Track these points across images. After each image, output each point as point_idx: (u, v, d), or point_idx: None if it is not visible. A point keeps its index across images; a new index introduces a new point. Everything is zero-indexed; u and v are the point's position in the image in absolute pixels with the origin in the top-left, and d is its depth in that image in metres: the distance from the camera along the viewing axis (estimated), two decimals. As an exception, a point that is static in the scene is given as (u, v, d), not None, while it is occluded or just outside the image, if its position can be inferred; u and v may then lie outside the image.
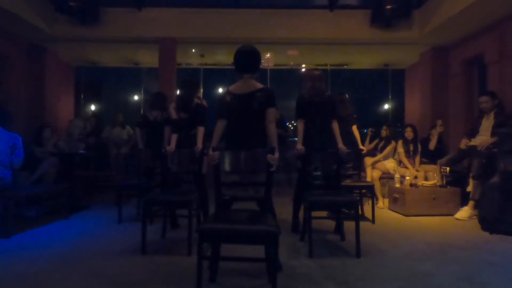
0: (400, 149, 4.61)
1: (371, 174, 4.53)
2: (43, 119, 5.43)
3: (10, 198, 2.93)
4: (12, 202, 2.94)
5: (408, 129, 4.67)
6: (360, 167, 4.10)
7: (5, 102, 4.66)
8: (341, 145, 3.10)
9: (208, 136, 2.90)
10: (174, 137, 3.18)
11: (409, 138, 4.61)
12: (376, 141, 5.00)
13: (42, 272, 2.16)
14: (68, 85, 6.83)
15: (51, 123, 5.29)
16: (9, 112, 3.36)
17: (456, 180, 4.15)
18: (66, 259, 2.42)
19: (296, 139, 3.27)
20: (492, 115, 3.79)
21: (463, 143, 3.91)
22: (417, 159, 4.61)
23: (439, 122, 4.71)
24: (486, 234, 3.10)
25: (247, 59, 2.25)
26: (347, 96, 4.28)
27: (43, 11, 5.03)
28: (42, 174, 4.21)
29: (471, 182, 3.74)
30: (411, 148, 4.60)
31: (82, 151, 4.57)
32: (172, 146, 3.12)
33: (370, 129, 5.30)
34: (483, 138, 3.74)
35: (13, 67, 5.34)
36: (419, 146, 4.64)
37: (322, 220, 3.30)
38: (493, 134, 3.65)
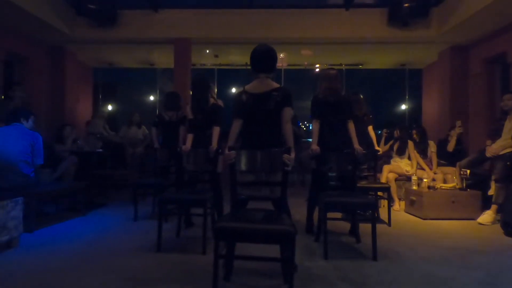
0: (411, 148, 4.55)
1: (386, 175, 4.44)
2: (63, 119, 5.60)
3: (33, 194, 3.04)
4: (34, 199, 3.05)
5: (413, 132, 4.70)
6: (376, 169, 4.03)
7: (27, 102, 4.83)
8: (356, 146, 3.05)
9: (223, 136, 2.90)
10: (190, 137, 3.21)
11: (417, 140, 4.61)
12: (391, 142, 4.89)
13: (61, 267, 2.22)
14: (87, 85, 7.02)
15: (70, 122, 5.45)
16: (25, 109, 3.46)
17: (476, 183, 4.02)
18: (83, 255, 2.48)
19: (309, 139, 3.24)
20: (514, 116, 3.65)
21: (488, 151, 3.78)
22: (435, 160, 4.51)
23: (459, 123, 4.58)
24: (509, 239, 2.99)
25: (263, 59, 2.24)
26: (361, 96, 4.21)
27: (64, 14, 5.19)
28: (63, 172, 4.34)
29: (493, 185, 3.62)
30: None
31: (99, 150, 4.69)
32: (187, 146, 3.15)
33: (385, 130, 5.20)
34: (494, 146, 3.63)
35: (35, 68, 5.53)
36: (431, 148, 4.56)
37: (337, 222, 3.26)
38: None
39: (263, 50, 2.24)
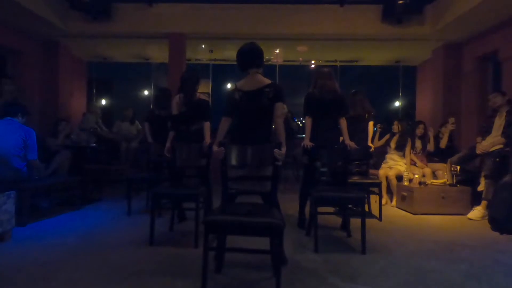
0: (409, 146, 4.57)
1: (386, 172, 4.41)
2: (56, 113, 5.57)
3: (25, 189, 3.04)
4: (27, 193, 3.05)
5: (421, 126, 4.66)
6: (368, 164, 4.06)
7: (20, 96, 4.78)
8: (348, 141, 3.09)
9: (212, 132, 2.92)
10: (171, 135, 3.22)
11: (419, 134, 4.62)
12: (387, 136, 4.87)
13: (54, 260, 2.24)
14: (81, 80, 6.97)
15: (64, 117, 5.41)
16: (24, 106, 3.44)
17: (466, 179, 4.08)
18: (77, 248, 2.50)
19: (303, 135, 3.27)
20: (504, 113, 3.71)
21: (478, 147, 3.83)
22: (423, 156, 4.59)
23: (451, 120, 4.64)
24: (496, 234, 3.05)
25: (249, 56, 2.25)
26: (361, 96, 4.19)
27: (57, 8, 5.13)
28: (57, 166, 4.33)
29: (482, 181, 3.68)
30: (421, 145, 4.58)
31: (93, 144, 4.67)
32: (168, 146, 3.18)
33: (379, 125, 5.23)
34: (484, 143, 3.71)
35: (29, 63, 5.48)
36: (432, 144, 4.60)
37: (329, 216, 3.31)
38: (503, 134, 3.59)
39: (248, 48, 2.25)
